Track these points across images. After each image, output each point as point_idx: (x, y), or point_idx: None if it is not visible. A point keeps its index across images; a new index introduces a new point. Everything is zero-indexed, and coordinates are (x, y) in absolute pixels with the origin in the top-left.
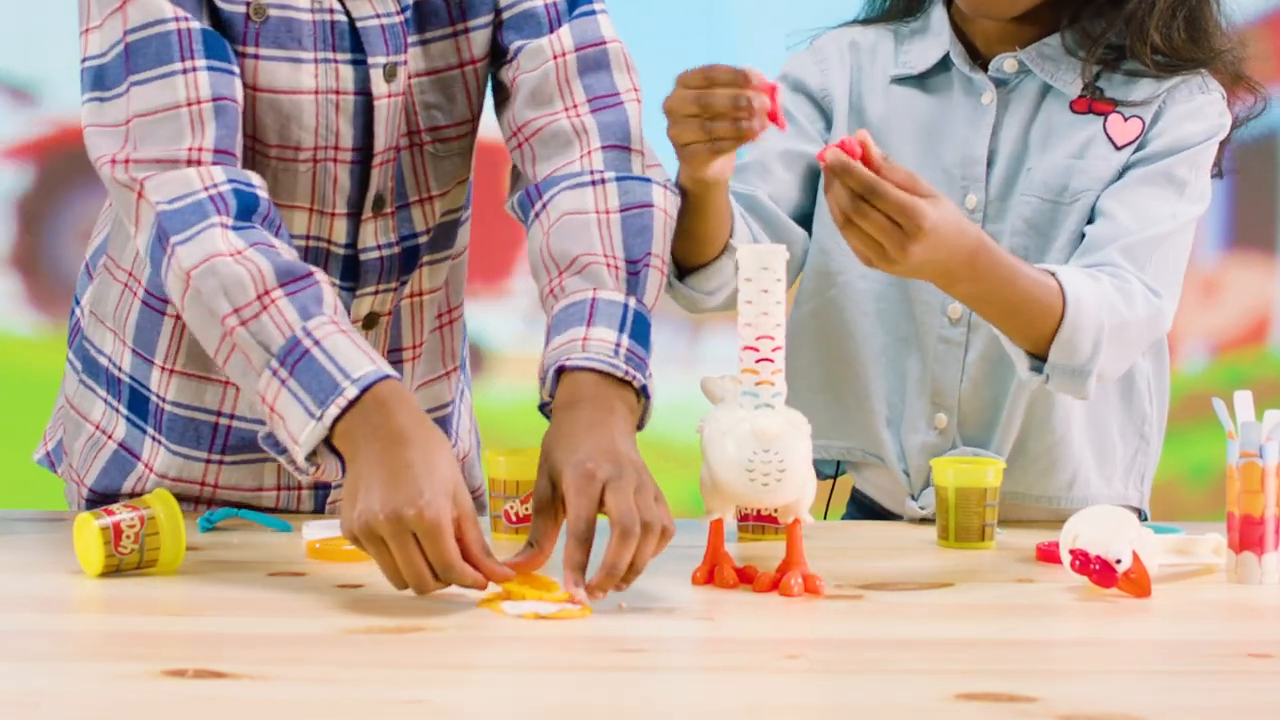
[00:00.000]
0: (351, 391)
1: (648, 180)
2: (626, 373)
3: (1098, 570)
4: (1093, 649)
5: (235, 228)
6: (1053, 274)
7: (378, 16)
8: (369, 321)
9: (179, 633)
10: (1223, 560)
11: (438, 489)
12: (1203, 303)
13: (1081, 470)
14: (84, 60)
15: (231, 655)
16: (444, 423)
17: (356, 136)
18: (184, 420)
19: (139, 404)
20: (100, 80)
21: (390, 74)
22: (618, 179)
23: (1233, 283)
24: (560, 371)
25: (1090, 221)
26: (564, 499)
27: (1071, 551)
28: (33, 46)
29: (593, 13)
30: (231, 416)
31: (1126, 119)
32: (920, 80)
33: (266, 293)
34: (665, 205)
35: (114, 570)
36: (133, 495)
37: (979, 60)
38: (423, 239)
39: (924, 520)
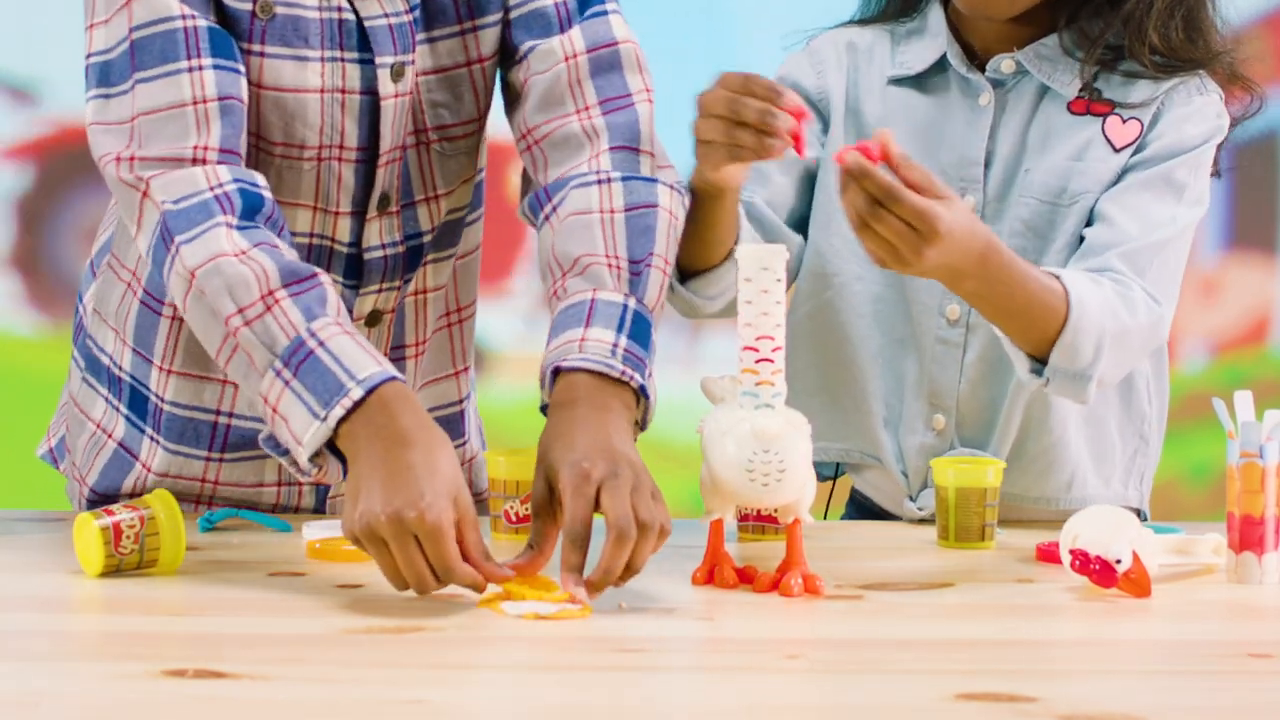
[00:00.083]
0: (357, 392)
1: (654, 180)
2: (623, 373)
3: (1098, 570)
4: (1093, 649)
5: (240, 227)
6: (1057, 277)
7: (386, 16)
8: (372, 319)
9: (179, 633)
10: (1223, 560)
11: (439, 491)
12: (1203, 303)
13: (1080, 471)
14: (88, 56)
15: (231, 655)
16: (454, 421)
17: (362, 136)
18: (183, 420)
19: (138, 403)
20: (105, 77)
21: (397, 74)
22: (623, 179)
23: (1233, 283)
24: (557, 372)
25: (1089, 224)
26: (559, 498)
27: (1071, 551)
28: (33, 46)
29: (605, 13)
30: (231, 415)
31: (1125, 121)
32: (917, 81)
33: (270, 293)
34: (671, 206)
35: (114, 570)
36: (133, 495)
37: (976, 61)
38: (427, 238)
39: (924, 520)
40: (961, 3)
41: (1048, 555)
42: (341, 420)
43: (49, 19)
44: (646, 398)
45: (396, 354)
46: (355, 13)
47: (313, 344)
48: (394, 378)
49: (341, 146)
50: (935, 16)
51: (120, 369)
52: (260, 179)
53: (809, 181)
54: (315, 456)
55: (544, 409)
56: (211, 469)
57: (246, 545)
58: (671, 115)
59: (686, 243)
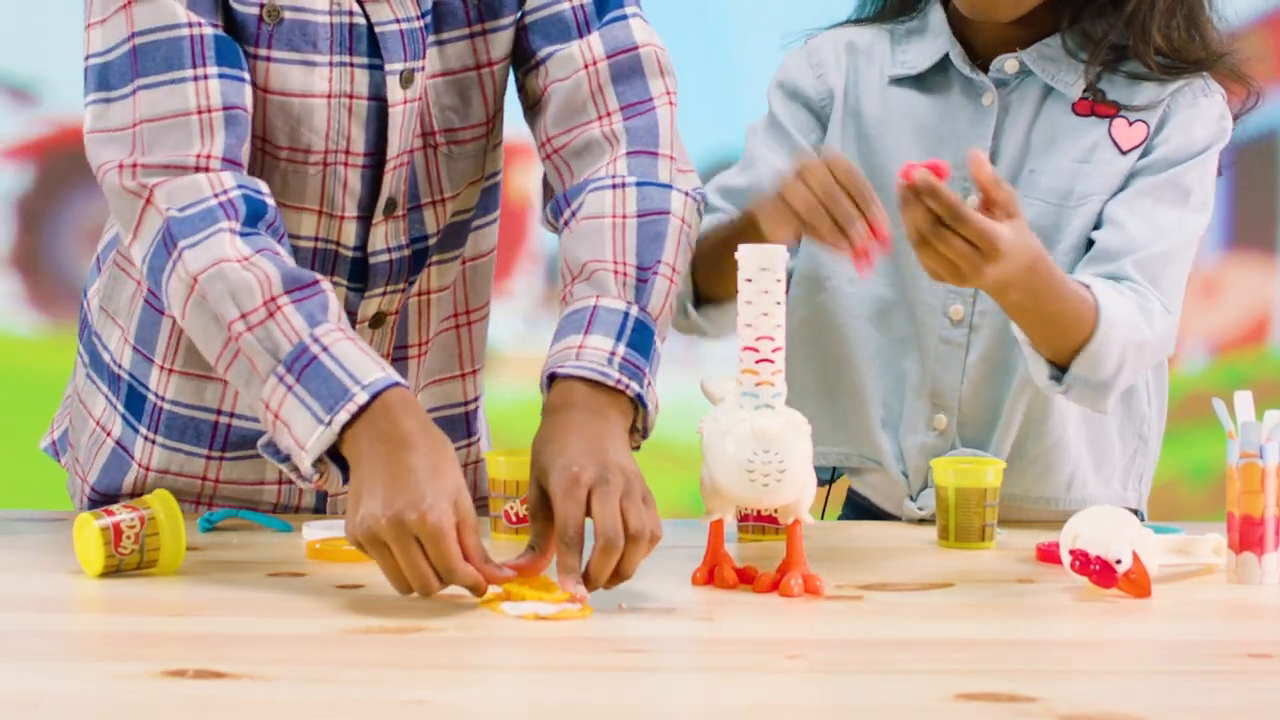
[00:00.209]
0: (362, 397)
1: (669, 186)
2: (619, 381)
3: (1098, 570)
4: (1093, 649)
5: (243, 234)
6: (1088, 287)
7: (397, 21)
8: (376, 321)
9: (179, 633)
10: (1223, 560)
11: (440, 493)
12: (1203, 303)
13: (1079, 471)
14: (87, 58)
15: (231, 655)
16: (462, 421)
17: (369, 141)
18: (184, 419)
19: (135, 402)
20: (104, 80)
21: (407, 80)
22: (638, 184)
23: (1233, 283)
24: (553, 379)
25: (1097, 227)
26: (550, 500)
27: (1071, 552)
28: (33, 46)
29: (624, 17)
30: (232, 415)
31: (1131, 123)
32: (918, 81)
33: (273, 299)
34: (684, 214)
35: (114, 570)
36: (133, 495)
37: (978, 61)
38: (432, 240)
39: (924, 520)
40: (964, 5)
41: (1048, 555)
42: (346, 425)
43: (49, 19)
44: (644, 406)
45: (399, 354)
46: (366, 17)
47: (316, 350)
48: (398, 383)
49: (348, 152)
50: (936, 16)
51: (120, 366)
52: (263, 186)
53: None
54: (317, 462)
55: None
56: (212, 467)
57: (246, 545)
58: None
59: (709, 269)
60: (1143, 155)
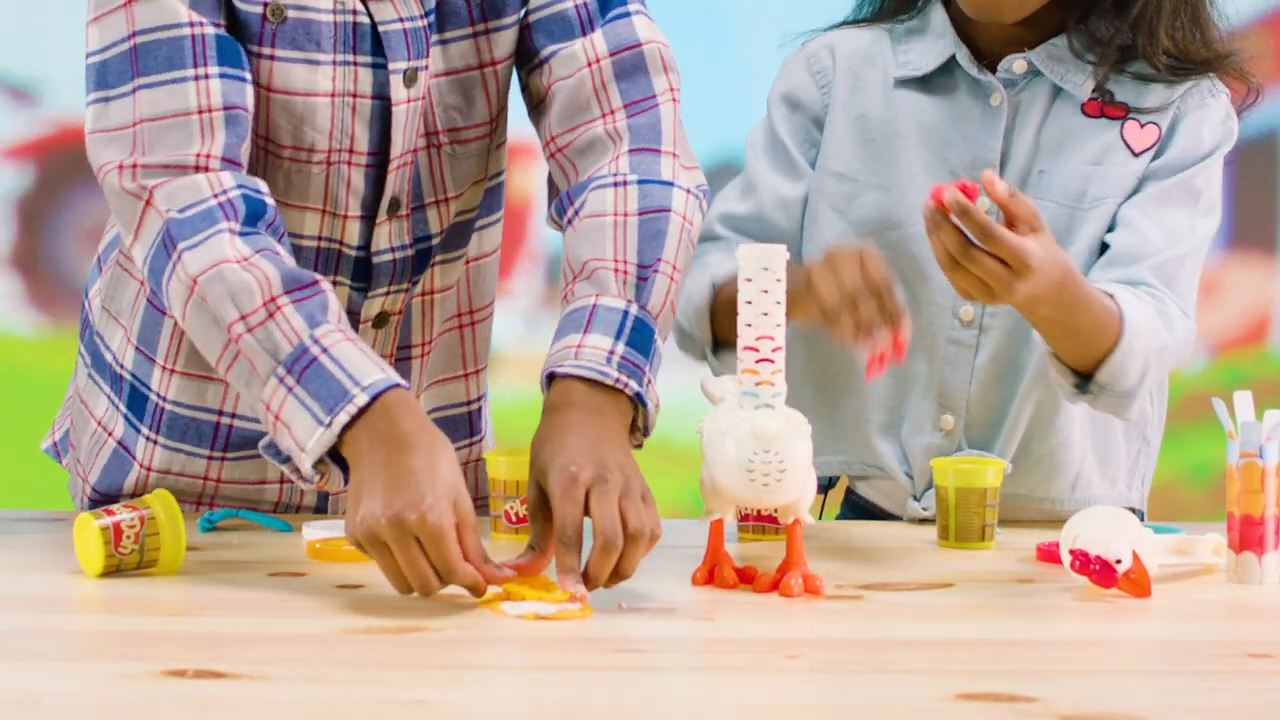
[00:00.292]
0: (362, 399)
1: (670, 184)
2: (618, 380)
3: (1098, 570)
4: (1093, 649)
5: (243, 234)
6: (1112, 296)
7: (401, 20)
8: (379, 321)
9: (179, 633)
10: (1223, 560)
11: (440, 493)
12: (1203, 303)
13: (1085, 473)
14: (88, 56)
15: (231, 655)
16: (465, 421)
17: (373, 140)
18: (185, 420)
19: (137, 402)
20: (103, 79)
21: (410, 79)
22: (640, 182)
23: (1233, 283)
24: (552, 378)
25: (1111, 229)
26: (549, 500)
27: (1071, 551)
28: (33, 46)
29: (627, 14)
30: (234, 415)
31: (1143, 125)
32: (923, 82)
33: (273, 300)
34: (685, 211)
35: (114, 570)
36: (134, 495)
37: (984, 62)
38: (436, 240)
39: (924, 520)
40: (969, 6)
41: (1048, 555)
42: (346, 427)
43: (49, 19)
44: (643, 405)
45: (403, 354)
46: (370, 16)
47: (316, 351)
48: (397, 384)
49: (351, 151)
50: (937, 16)
51: (122, 367)
52: (263, 185)
53: (801, 201)
54: (317, 463)
55: None
56: (214, 467)
57: (246, 545)
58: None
59: (727, 317)
60: (1155, 157)
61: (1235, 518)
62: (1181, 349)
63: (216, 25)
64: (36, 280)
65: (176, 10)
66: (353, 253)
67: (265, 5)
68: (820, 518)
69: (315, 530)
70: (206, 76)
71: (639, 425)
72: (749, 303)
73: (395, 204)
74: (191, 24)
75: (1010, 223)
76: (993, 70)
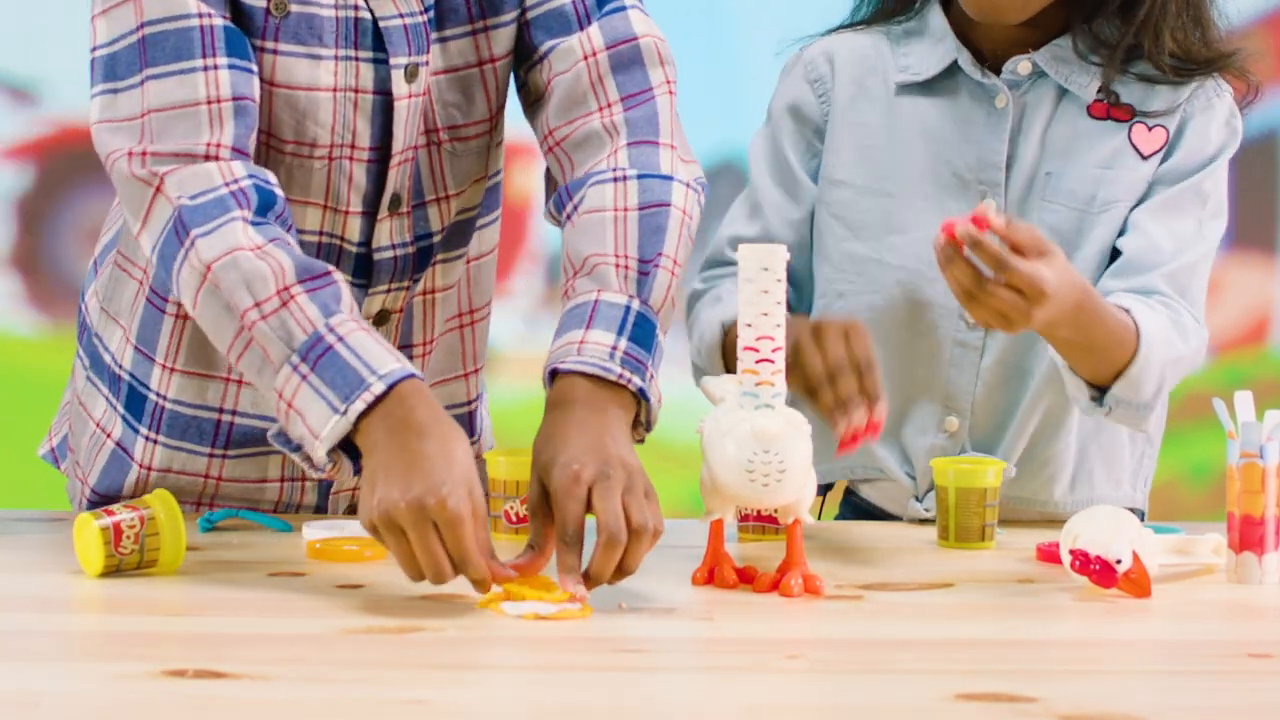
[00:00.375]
0: (378, 387)
1: (669, 178)
2: (620, 375)
3: (1098, 570)
4: (1093, 649)
5: (255, 223)
6: (1128, 310)
7: (401, 16)
8: (380, 319)
9: (179, 633)
10: (1223, 560)
11: (458, 480)
12: None
13: (1090, 475)
14: (93, 49)
15: (231, 655)
16: (464, 421)
17: (374, 135)
18: (186, 418)
19: (135, 403)
20: (111, 71)
21: (411, 74)
22: (639, 176)
23: (1233, 283)
24: (555, 374)
25: (1122, 233)
26: (551, 498)
27: (1071, 551)
28: (33, 46)
29: (623, 8)
30: (235, 413)
31: (1150, 128)
32: (924, 86)
33: (286, 288)
34: (685, 205)
35: (114, 570)
36: (134, 496)
37: (985, 64)
38: (437, 238)
39: (924, 520)
40: (971, 8)
41: (1048, 555)
42: (362, 415)
43: (49, 19)
44: (646, 400)
45: (404, 353)
46: (370, 12)
47: (331, 339)
48: (413, 374)
49: (353, 146)
50: (935, 19)
51: (120, 367)
52: (272, 176)
53: (809, 224)
54: (329, 452)
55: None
56: (214, 465)
57: (246, 545)
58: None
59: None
60: (1163, 160)
61: (1235, 518)
62: (1195, 357)
63: (224, 17)
64: (36, 280)
65: (184, 1)
66: (353, 249)
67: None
68: (820, 518)
69: (315, 530)
70: (215, 67)
71: (641, 420)
72: (749, 303)
73: (396, 200)
74: (200, 15)
75: (1016, 250)
76: (994, 73)
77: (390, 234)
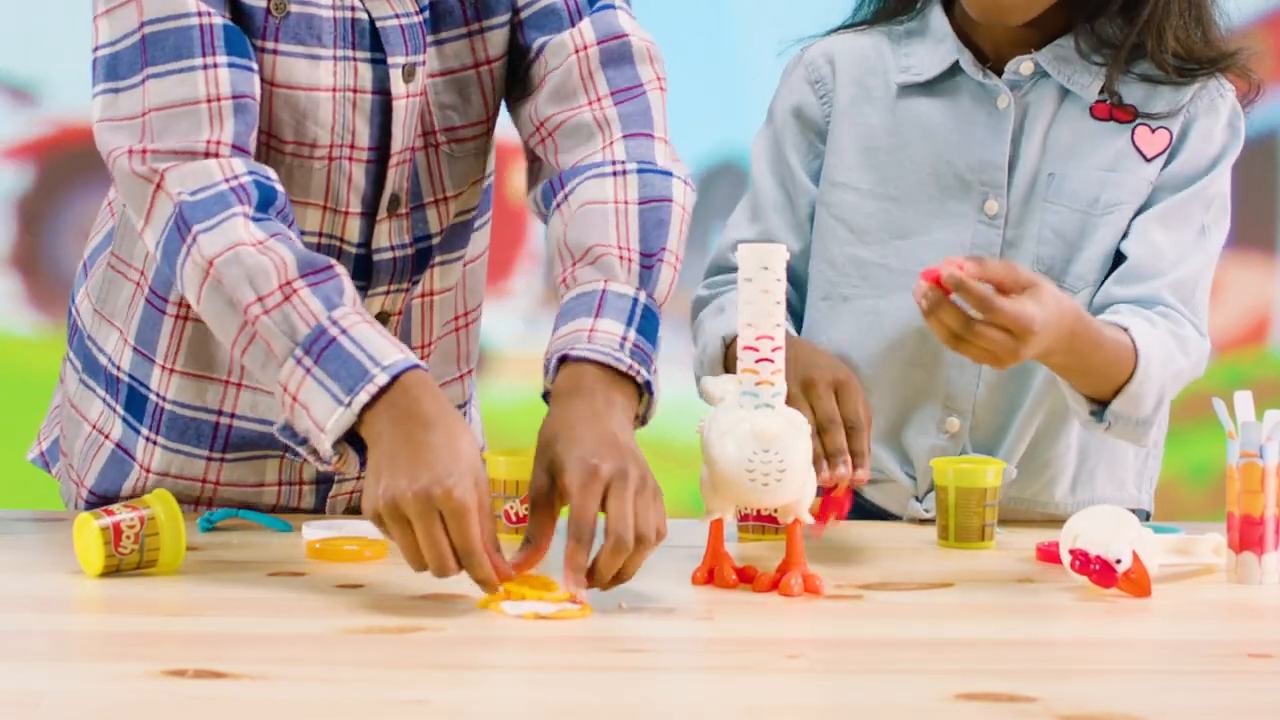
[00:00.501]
0: (382, 378)
1: (669, 174)
2: (630, 367)
3: (1098, 570)
4: (1093, 649)
5: (256, 218)
6: (1125, 329)
7: (397, 16)
8: (379, 321)
9: (179, 633)
10: (1223, 560)
11: (464, 471)
12: None
13: (1092, 477)
14: (95, 49)
15: (231, 655)
16: None
17: (373, 136)
18: (184, 420)
19: (136, 404)
20: (113, 71)
21: (409, 74)
22: (639, 171)
23: (1233, 283)
24: (563, 361)
25: (1125, 236)
26: (564, 492)
27: (1071, 551)
28: (33, 46)
29: (612, 6)
30: (233, 416)
31: (1154, 130)
32: (926, 87)
33: (289, 283)
34: (684, 201)
35: (114, 570)
36: (132, 497)
37: (987, 64)
38: (436, 240)
39: (924, 520)
40: (974, 9)
41: (1048, 555)
42: (366, 407)
43: (49, 19)
44: (651, 394)
45: None
46: (367, 13)
47: (335, 332)
48: (417, 365)
49: (353, 146)
50: (937, 19)
51: (119, 369)
52: (272, 173)
53: (809, 221)
54: (335, 444)
55: (546, 395)
56: (212, 469)
57: (246, 545)
58: (672, 113)
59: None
60: (1168, 162)
61: (1235, 518)
62: (1195, 369)
63: (223, 16)
64: (36, 280)
65: (184, 1)
66: (353, 250)
67: None
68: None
69: (315, 530)
70: (215, 66)
71: (638, 414)
72: (749, 303)
73: (395, 201)
74: (199, 14)
75: (999, 289)
76: (996, 73)
77: (389, 235)
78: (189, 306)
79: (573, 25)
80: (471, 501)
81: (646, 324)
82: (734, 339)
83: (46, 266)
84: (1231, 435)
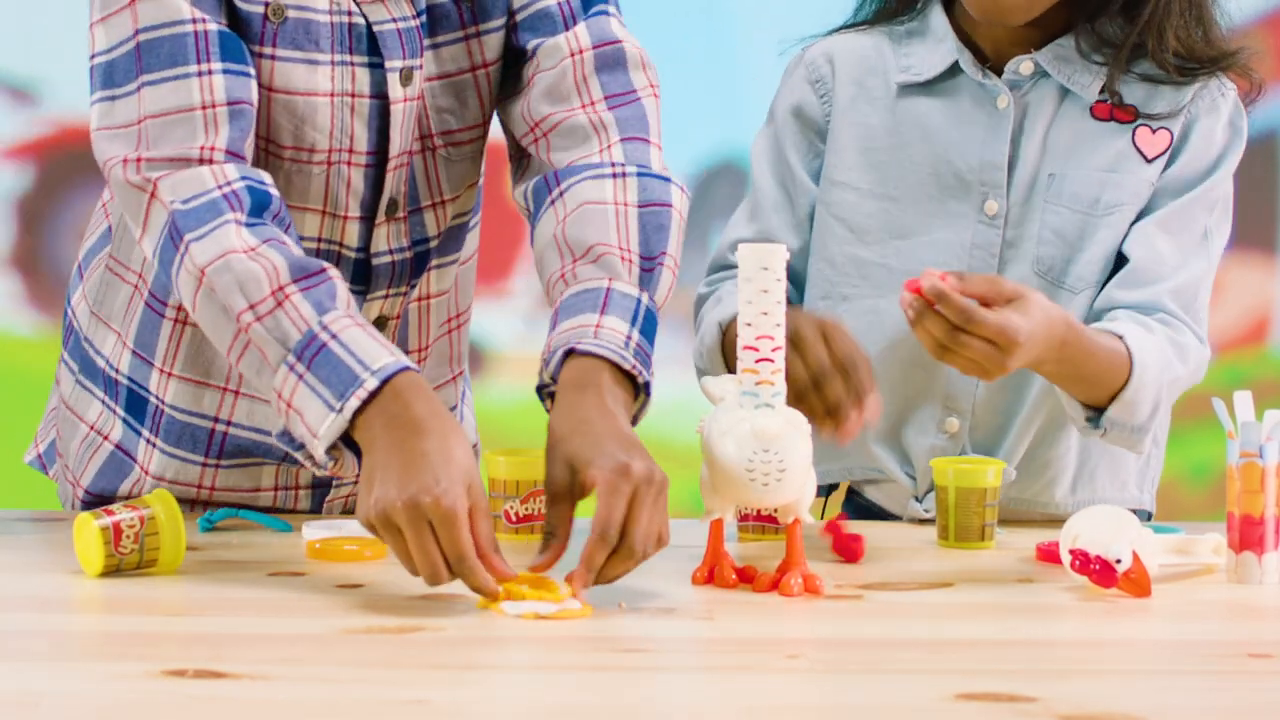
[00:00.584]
0: (372, 383)
1: (668, 180)
2: (634, 367)
3: (1098, 570)
4: (1093, 649)
5: (249, 224)
6: (1120, 337)
7: (394, 20)
8: (378, 325)
9: (179, 633)
10: (1223, 560)
11: (455, 478)
12: None
13: (1092, 478)
14: (92, 56)
15: (231, 655)
16: None
17: (371, 140)
18: (181, 425)
19: (137, 405)
20: (109, 78)
21: (406, 78)
22: (638, 174)
23: (1233, 283)
24: (569, 354)
25: (1127, 238)
26: (585, 487)
27: (1071, 551)
28: (33, 46)
29: (605, 13)
30: (229, 423)
31: (1154, 131)
32: (926, 87)
33: (281, 288)
34: (681, 207)
35: (114, 570)
36: (130, 498)
37: (987, 64)
38: (433, 243)
39: (924, 520)
40: (975, 9)
41: (1048, 555)
42: (357, 412)
43: (49, 19)
44: (649, 396)
45: None
46: (364, 17)
47: (325, 337)
48: (407, 367)
49: (351, 150)
50: (937, 19)
51: (118, 372)
52: (267, 177)
53: (810, 223)
54: (331, 449)
55: (541, 388)
56: (209, 474)
57: (246, 545)
58: (671, 113)
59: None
60: (1169, 163)
61: (1235, 518)
62: (1194, 376)
63: (219, 23)
64: (36, 280)
65: (179, 8)
66: (352, 254)
67: (267, 5)
68: (821, 518)
69: (315, 530)
70: (210, 72)
71: (632, 415)
72: (749, 303)
73: (393, 205)
74: (194, 20)
75: (983, 304)
76: (996, 73)
77: (388, 239)
78: (188, 311)
79: (567, 29)
80: (461, 509)
81: (648, 326)
82: (730, 324)
83: (46, 266)
84: (1231, 435)
